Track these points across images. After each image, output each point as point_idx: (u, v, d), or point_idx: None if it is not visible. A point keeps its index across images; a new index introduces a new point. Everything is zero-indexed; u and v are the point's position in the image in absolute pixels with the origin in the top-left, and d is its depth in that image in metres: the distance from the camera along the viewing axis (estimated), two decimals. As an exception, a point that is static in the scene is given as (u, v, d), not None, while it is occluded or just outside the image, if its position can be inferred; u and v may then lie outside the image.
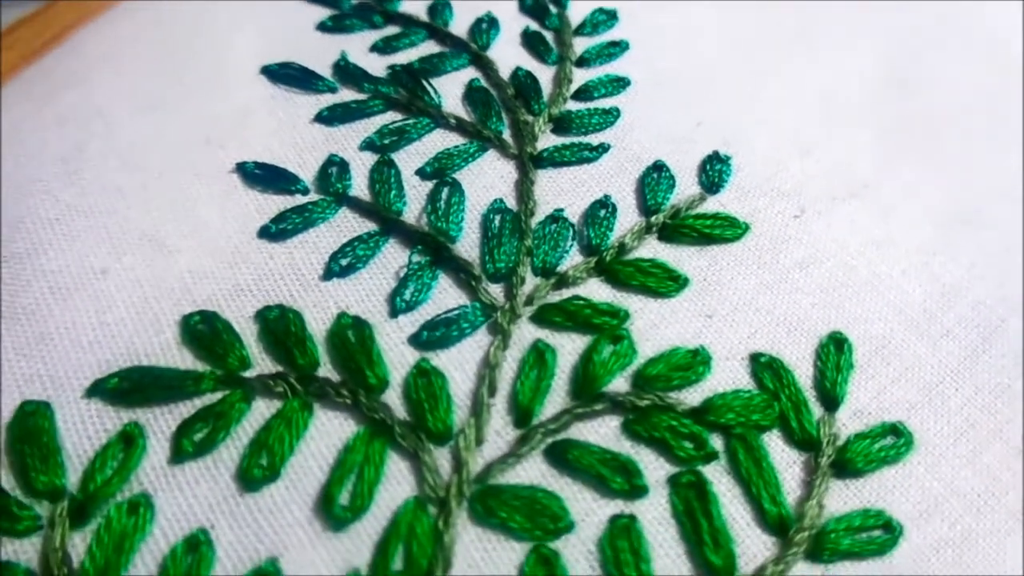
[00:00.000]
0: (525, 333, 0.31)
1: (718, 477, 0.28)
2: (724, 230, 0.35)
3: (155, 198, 0.34)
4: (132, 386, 0.28)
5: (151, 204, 0.34)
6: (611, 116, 0.38)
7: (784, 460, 0.29)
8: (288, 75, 0.39)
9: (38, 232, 0.32)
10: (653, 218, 0.35)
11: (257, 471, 0.27)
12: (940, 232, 0.35)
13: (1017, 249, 0.35)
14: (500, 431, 0.29)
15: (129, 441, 0.27)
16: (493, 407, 0.29)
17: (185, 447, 0.27)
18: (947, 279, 0.34)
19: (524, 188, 0.35)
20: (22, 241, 0.32)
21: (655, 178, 0.36)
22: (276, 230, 0.33)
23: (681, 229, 0.34)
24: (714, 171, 0.37)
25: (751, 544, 0.27)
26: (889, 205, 0.36)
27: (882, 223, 0.35)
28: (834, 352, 0.31)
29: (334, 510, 0.26)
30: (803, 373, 0.31)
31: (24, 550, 0.25)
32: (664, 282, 0.33)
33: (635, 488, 0.28)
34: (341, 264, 0.32)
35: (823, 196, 0.36)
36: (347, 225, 0.34)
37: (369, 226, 0.34)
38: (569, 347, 0.31)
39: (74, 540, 0.26)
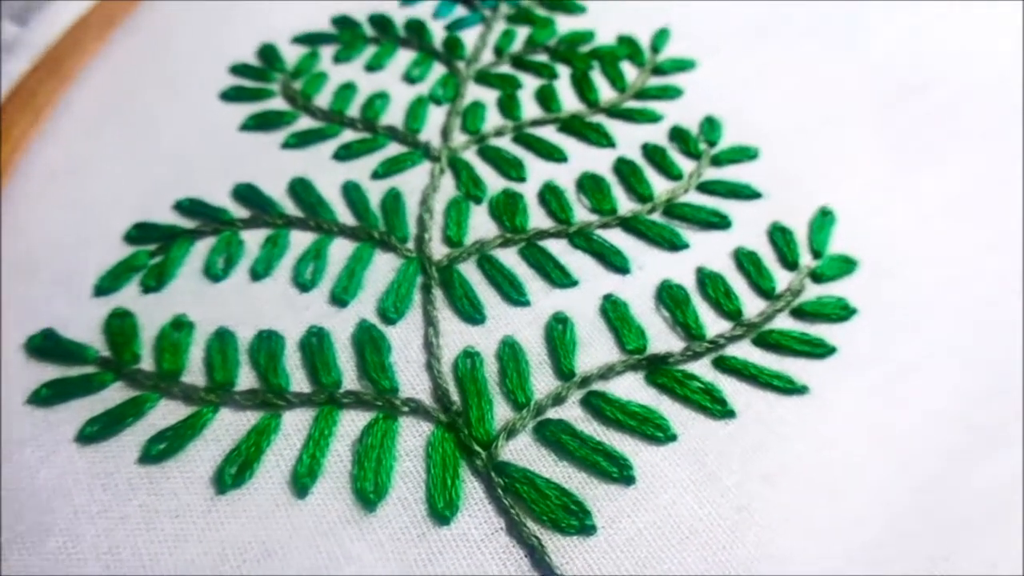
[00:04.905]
0: (501, 23, 0.62)
1: (593, 69, 0.58)
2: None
3: None
4: None
5: None
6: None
7: (630, 74, 0.59)
8: None
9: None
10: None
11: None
12: None
13: None
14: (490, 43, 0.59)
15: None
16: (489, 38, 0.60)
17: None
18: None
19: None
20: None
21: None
22: None
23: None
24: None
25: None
26: None
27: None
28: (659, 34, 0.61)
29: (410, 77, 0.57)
30: (645, 45, 0.61)
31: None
32: (569, 7, 0.63)
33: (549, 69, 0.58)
34: None
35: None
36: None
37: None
38: (522, 32, 0.61)
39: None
